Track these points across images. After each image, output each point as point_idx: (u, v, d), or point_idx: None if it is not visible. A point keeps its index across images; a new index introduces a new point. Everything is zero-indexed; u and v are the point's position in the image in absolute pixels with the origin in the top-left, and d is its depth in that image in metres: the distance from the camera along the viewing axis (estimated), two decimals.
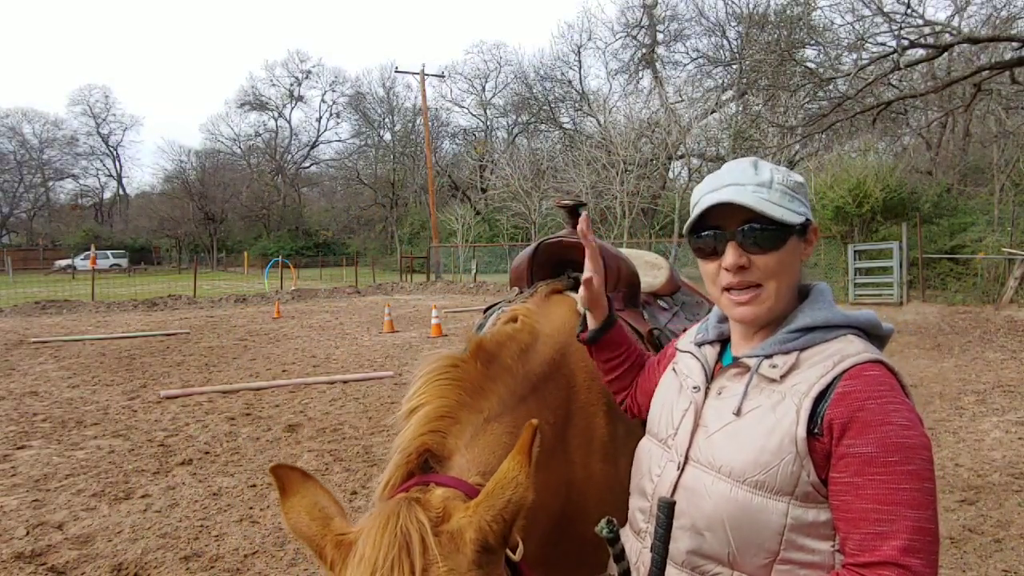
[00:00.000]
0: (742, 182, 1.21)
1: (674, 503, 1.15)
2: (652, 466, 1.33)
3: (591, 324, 1.58)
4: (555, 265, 2.03)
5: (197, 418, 7.05)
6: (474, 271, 28.82)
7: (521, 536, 1.18)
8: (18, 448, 6.10)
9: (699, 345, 1.38)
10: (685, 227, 1.28)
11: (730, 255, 1.19)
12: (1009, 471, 5.13)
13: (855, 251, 16.49)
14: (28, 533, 4.25)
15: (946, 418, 6.63)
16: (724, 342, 1.36)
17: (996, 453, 5.56)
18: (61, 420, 7.05)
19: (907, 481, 1.03)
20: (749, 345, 1.28)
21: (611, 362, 1.58)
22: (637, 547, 1.33)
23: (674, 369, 1.42)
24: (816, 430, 1.10)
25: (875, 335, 1.24)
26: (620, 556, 1.23)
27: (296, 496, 1.12)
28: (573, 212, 2.13)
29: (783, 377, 1.17)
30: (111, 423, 6.94)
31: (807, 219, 1.22)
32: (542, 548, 1.49)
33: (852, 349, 1.15)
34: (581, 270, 1.99)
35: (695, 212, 1.24)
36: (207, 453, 5.86)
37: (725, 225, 1.21)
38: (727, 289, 1.23)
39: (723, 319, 1.38)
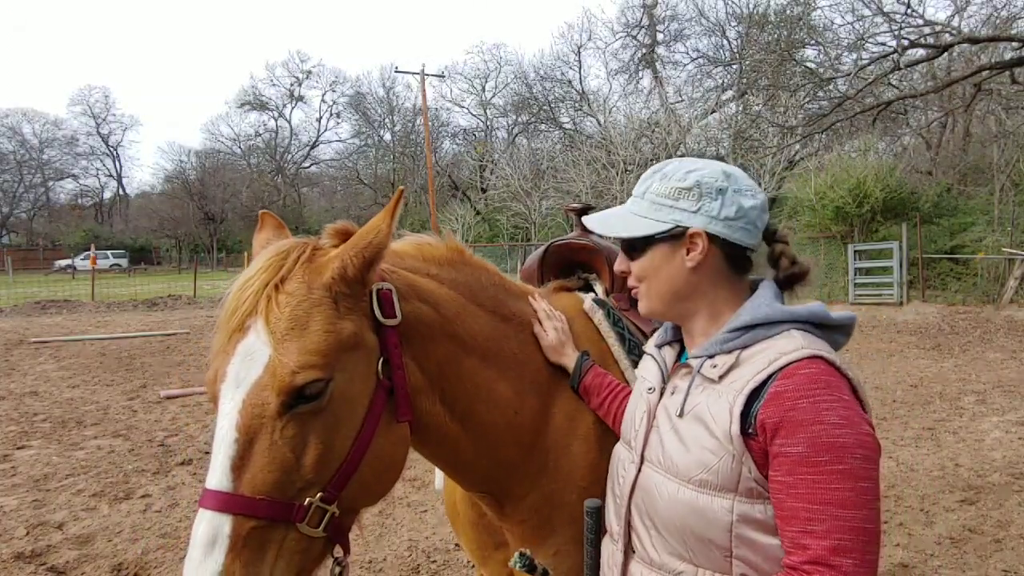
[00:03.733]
0: (635, 192, 1.35)
1: (600, 507, 1.22)
2: (619, 468, 1.36)
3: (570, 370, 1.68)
4: (565, 266, 2.08)
5: (197, 418, 7.05)
6: None
7: (457, 413, 1.46)
8: (18, 448, 6.10)
9: (659, 347, 1.42)
10: None
11: (618, 260, 1.38)
12: (1009, 471, 5.13)
13: (855, 251, 16.48)
14: (28, 533, 4.25)
15: (946, 418, 6.63)
16: (683, 341, 1.40)
17: (996, 453, 5.56)
18: (61, 420, 7.05)
19: (838, 481, 1.02)
20: (694, 344, 1.32)
21: (602, 408, 1.62)
22: (611, 548, 1.35)
23: (638, 374, 1.47)
24: (750, 430, 1.10)
25: (830, 327, 1.22)
26: None
27: (262, 233, 1.46)
28: (582, 215, 2.17)
29: (722, 377, 1.17)
30: (111, 423, 6.94)
31: (676, 226, 1.25)
32: (513, 478, 1.60)
33: (791, 346, 1.14)
34: (591, 271, 2.04)
35: None
36: (207, 453, 5.85)
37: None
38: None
39: None
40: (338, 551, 1.24)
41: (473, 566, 3.79)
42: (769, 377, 1.11)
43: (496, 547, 1.80)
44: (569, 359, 1.66)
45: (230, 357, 1.18)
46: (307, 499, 1.14)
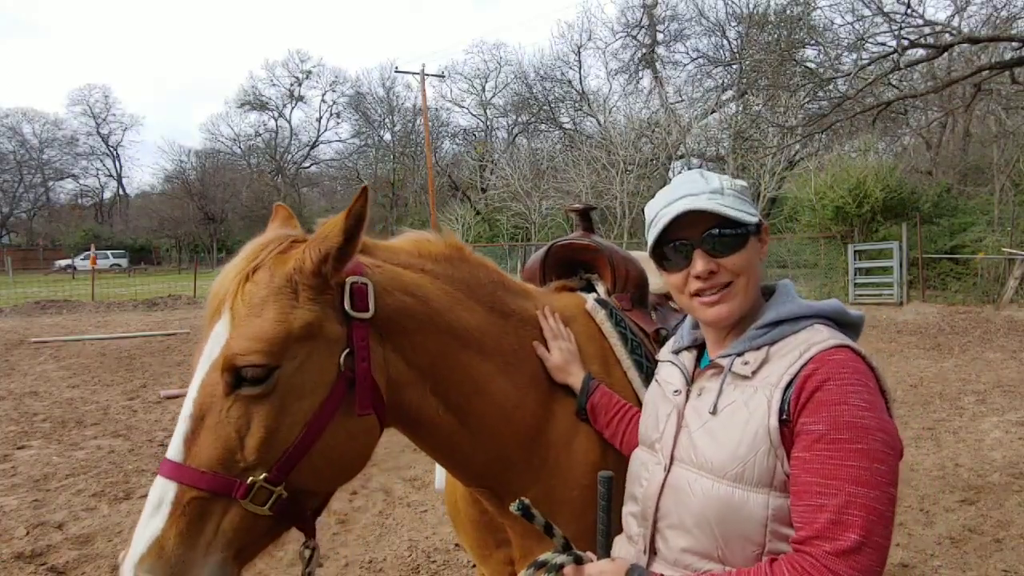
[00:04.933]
0: (696, 192, 1.27)
1: (612, 477, 1.22)
2: (642, 471, 1.36)
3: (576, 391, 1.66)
4: (566, 266, 2.09)
5: None
6: None
7: (454, 401, 1.48)
8: (18, 448, 6.10)
9: (676, 352, 1.43)
10: (649, 243, 1.33)
11: (699, 262, 1.25)
12: (1009, 471, 5.13)
13: (855, 251, 16.46)
14: (28, 533, 4.25)
15: (946, 418, 6.63)
16: (700, 347, 1.41)
17: (996, 453, 5.56)
18: (61, 420, 7.05)
19: (854, 459, 1.04)
20: (722, 346, 1.32)
21: (610, 427, 1.62)
22: (632, 552, 1.35)
23: (656, 380, 1.47)
24: (785, 416, 1.13)
25: (845, 323, 1.26)
26: (549, 531, 1.28)
27: (273, 224, 1.52)
28: (584, 215, 2.19)
29: (754, 372, 1.20)
30: (111, 423, 6.94)
31: (759, 219, 1.29)
32: (513, 472, 1.61)
33: (818, 337, 1.19)
34: (592, 271, 2.05)
35: (659, 226, 1.28)
36: None
37: (689, 235, 1.27)
38: (696, 295, 1.28)
39: (697, 325, 1.43)
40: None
41: (473, 566, 3.79)
42: (802, 366, 1.14)
43: (497, 546, 1.80)
44: (575, 378, 1.65)
45: (206, 341, 1.27)
46: (250, 478, 1.18)
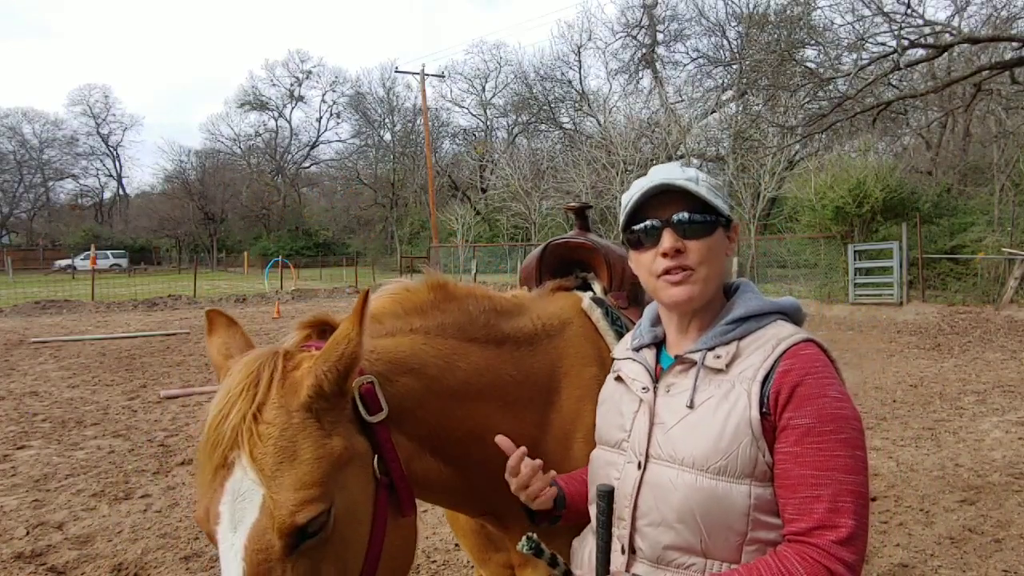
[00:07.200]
0: (672, 177, 1.31)
1: (612, 490, 1.23)
2: (610, 471, 1.35)
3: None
4: (563, 265, 2.09)
5: (197, 418, 7.04)
6: (474, 271, 28.79)
7: (461, 444, 1.43)
8: (18, 448, 6.09)
9: (636, 350, 1.44)
10: (621, 221, 1.37)
11: (667, 239, 1.28)
12: (1009, 471, 5.13)
13: (855, 251, 16.46)
14: (28, 533, 4.25)
15: (946, 418, 6.63)
16: (659, 345, 1.43)
17: (996, 453, 5.55)
18: (61, 420, 7.05)
19: (841, 448, 1.12)
20: (685, 340, 1.35)
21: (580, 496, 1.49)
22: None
23: (617, 377, 1.45)
24: (764, 409, 1.18)
25: (797, 319, 1.34)
26: (553, 562, 1.31)
27: (216, 336, 1.35)
28: (580, 214, 2.19)
29: (728, 366, 1.24)
30: (111, 423, 6.94)
31: (729, 217, 1.33)
32: (512, 498, 1.51)
33: (785, 332, 1.25)
34: (588, 270, 2.05)
35: (633, 202, 1.32)
36: None
37: (660, 216, 1.31)
38: (662, 275, 1.30)
39: (655, 323, 1.44)
40: None
41: (473, 566, 3.79)
42: (776, 360, 1.20)
43: (496, 550, 1.80)
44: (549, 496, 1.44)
45: (219, 496, 1.12)
46: None
